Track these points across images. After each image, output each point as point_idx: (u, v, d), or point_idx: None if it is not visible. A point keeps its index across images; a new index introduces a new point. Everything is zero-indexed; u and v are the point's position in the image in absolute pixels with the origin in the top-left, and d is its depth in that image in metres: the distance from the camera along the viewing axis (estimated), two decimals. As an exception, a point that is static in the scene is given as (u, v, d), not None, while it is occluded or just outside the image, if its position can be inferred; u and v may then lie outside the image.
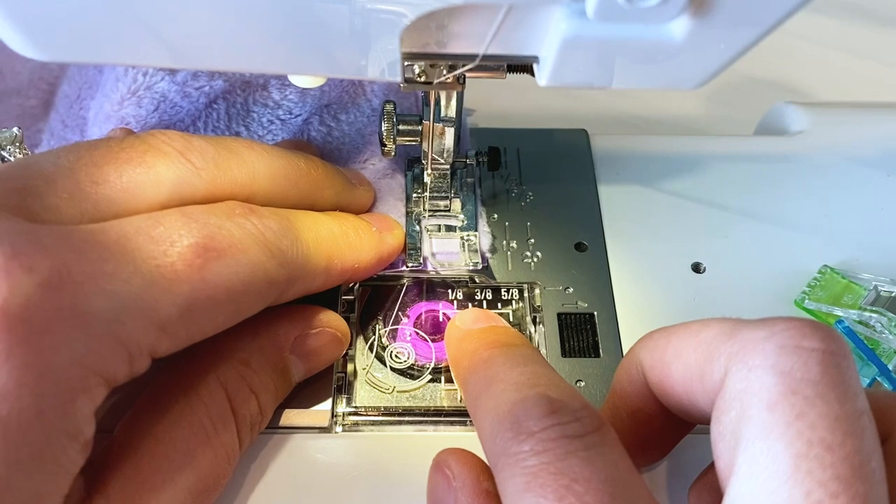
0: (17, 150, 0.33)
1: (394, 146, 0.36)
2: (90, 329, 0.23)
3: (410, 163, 0.41)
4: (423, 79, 0.34)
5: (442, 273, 0.38)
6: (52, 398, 0.23)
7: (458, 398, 0.34)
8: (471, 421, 0.33)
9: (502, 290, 0.38)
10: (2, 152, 0.33)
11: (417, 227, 0.38)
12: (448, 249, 0.38)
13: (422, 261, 0.37)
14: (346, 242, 0.33)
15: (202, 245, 0.27)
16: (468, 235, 0.39)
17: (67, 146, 0.28)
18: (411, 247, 0.37)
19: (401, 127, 0.36)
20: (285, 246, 0.30)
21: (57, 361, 0.23)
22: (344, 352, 0.34)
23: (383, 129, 0.35)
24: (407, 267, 0.37)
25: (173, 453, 0.27)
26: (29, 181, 0.26)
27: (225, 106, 0.39)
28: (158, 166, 0.28)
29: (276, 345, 0.32)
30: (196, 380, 0.29)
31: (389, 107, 0.35)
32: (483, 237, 0.39)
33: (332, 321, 0.34)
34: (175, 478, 0.27)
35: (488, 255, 0.39)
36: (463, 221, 0.39)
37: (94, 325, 0.24)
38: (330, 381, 0.34)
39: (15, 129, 0.33)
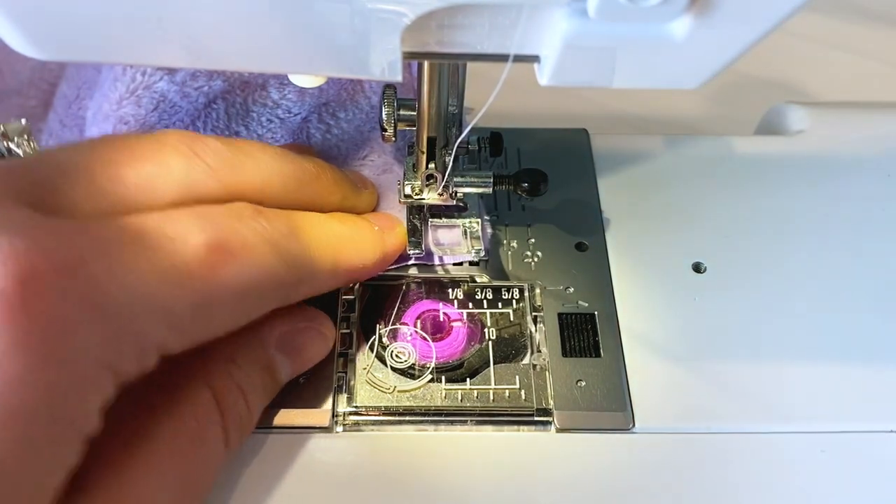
0: (25, 143, 0.33)
1: (394, 131, 0.35)
2: (105, 322, 0.23)
3: (411, 147, 0.39)
4: (418, 197, 0.36)
5: (445, 260, 0.38)
6: (64, 390, 0.23)
7: (459, 398, 0.34)
8: (471, 420, 0.34)
9: (502, 290, 0.38)
10: (10, 143, 0.33)
11: (419, 217, 0.38)
12: (450, 237, 0.38)
13: (423, 249, 0.37)
14: (351, 244, 0.33)
15: (215, 245, 0.27)
16: (470, 222, 0.38)
17: (84, 141, 0.28)
18: (413, 236, 0.37)
19: (401, 112, 0.35)
20: (294, 248, 0.30)
21: (70, 353, 0.23)
22: (330, 349, 0.34)
23: (384, 113, 0.34)
24: (411, 255, 0.37)
25: (157, 451, 0.27)
26: (46, 176, 0.26)
27: (224, 106, 0.39)
28: (173, 165, 0.28)
29: (260, 340, 0.32)
30: (181, 377, 0.29)
31: (390, 91, 0.34)
32: (484, 226, 0.39)
33: (316, 318, 0.34)
34: (159, 476, 0.27)
35: (488, 246, 0.38)
36: (464, 205, 0.38)
37: (108, 318, 0.24)
38: (330, 381, 0.34)
39: (23, 121, 0.33)
